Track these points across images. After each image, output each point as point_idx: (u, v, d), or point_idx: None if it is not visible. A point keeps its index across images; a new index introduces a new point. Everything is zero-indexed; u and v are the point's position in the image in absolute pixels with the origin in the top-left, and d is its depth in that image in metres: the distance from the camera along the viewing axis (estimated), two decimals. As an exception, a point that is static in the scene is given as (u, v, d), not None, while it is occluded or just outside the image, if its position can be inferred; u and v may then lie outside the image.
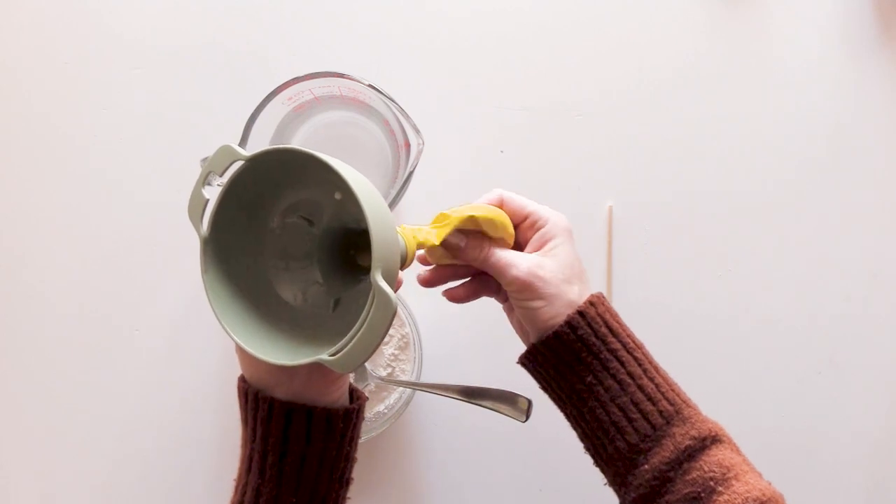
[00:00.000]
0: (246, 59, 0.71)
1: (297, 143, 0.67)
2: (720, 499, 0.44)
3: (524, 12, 0.73)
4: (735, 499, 0.43)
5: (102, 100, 0.71)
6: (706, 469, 0.45)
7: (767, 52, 0.74)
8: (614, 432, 0.47)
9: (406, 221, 0.70)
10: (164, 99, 0.71)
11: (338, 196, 0.44)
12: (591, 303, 0.49)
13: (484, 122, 0.72)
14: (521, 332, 0.54)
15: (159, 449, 0.69)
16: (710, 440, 0.46)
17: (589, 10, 0.73)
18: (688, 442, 0.46)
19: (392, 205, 0.60)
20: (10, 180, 0.70)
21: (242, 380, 0.46)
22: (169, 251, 0.70)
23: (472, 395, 0.57)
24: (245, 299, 0.44)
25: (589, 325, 0.48)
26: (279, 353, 0.41)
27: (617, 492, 0.49)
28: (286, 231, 0.47)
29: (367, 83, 0.59)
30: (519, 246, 0.53)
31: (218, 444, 0.68)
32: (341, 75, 0.60)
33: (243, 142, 0.59)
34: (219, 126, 0.67)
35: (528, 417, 0.58)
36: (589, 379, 0.48)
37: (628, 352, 0.48)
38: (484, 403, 0.61)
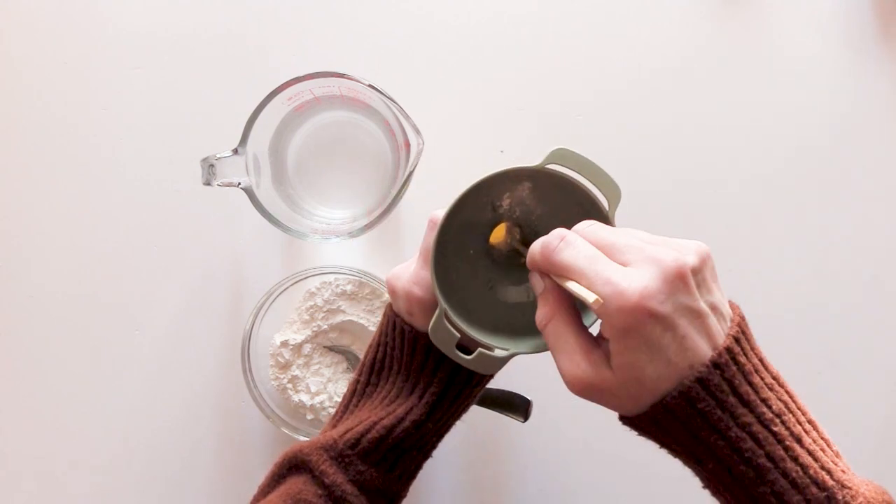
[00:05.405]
0: (246, 59, 0.71)
1: (296, 142, 0.68)
2: None
3: (524, 13, 0.73)
4: None
5: (102, 100, 0.71)
6: None
7: (767, 52, 0.74)
8: None
9: (405, 221, 0.70)
10: (165, 99, 0.71)
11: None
12: (715, 364, 0.37)
13: (484, 122, 0.72)
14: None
15: (159, 449, 0.69)
16: None
17: (589, 10, 0.73)
18: None
19: (392, 205, 0.60)
20: (9, 180, 0.70)
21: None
22: (169, 251, 0.70)
23: (473, 395, 0.57)
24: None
25: (713, 395, 0.36)
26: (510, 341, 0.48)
27: None
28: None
29: (367, 83, 0.59)
30: None
31: (217, 444, 0.69)
32: (341, 75, 0.60)
33: (243, 142, 0.59)
34: (219, 126, 0.67)
35: (527, 417, 0.58)
36: (711, 466, 0.38)
37: (764, 426, 0.37)
38: (484, 404, 0.61)
